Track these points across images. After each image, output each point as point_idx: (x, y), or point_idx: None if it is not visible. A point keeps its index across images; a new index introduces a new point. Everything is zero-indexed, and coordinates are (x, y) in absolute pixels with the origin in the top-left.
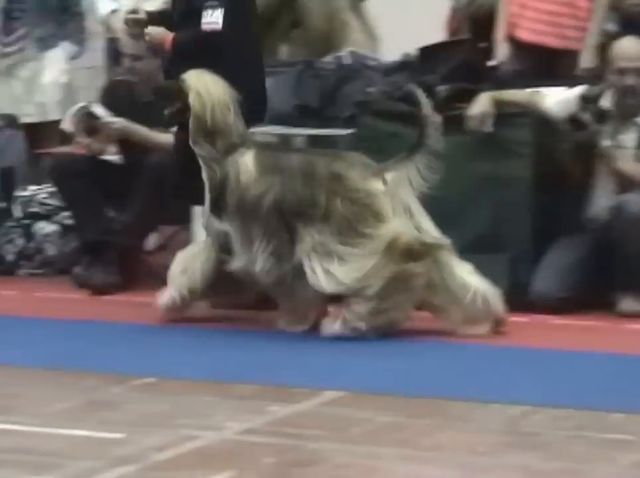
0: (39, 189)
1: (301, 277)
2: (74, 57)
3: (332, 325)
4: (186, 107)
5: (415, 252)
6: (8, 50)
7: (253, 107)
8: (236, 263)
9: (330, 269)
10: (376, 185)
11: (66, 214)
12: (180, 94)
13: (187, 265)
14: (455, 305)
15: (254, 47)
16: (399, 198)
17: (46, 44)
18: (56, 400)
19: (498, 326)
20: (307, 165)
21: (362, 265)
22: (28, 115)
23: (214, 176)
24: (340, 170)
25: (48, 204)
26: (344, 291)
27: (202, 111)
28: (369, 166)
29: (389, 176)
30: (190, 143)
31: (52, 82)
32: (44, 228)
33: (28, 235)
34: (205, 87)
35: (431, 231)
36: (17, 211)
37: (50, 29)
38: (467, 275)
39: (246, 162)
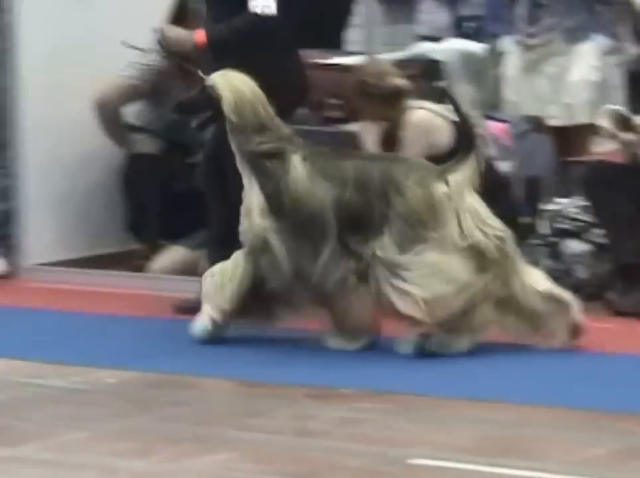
0: (569, 202)
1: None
2: (607, 52)
3: (407, 346)
4: (218, 112)
5: (489, 260)
6: (533, 42)
7: (296, 95)
8: (281, 275)
9: (403, 288)
10: (439, 188)
11: (599, 231)
12: (210, 101)
13: (223, 282)
14: (528, 318)
15: (294, 33)
16: (463, 199)
17: (575, 36)
18: (590, 445)
19: (575, 334)
20: (361, 173)
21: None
22: (554, 117)
23: (263, 179)
24: (399, 176)
25: (579, 220)
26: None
27: (243, 109)
28: (430, 170)
29: (451, 178)
30: (234, 142)
31: (581, 80)
32: (574, 247)
33: (556, 255)
34: (237, 85)
35: (498, 228)
36: (543, 227)
37: (581, 19)
38: (538, 284)
39: (295, 166)
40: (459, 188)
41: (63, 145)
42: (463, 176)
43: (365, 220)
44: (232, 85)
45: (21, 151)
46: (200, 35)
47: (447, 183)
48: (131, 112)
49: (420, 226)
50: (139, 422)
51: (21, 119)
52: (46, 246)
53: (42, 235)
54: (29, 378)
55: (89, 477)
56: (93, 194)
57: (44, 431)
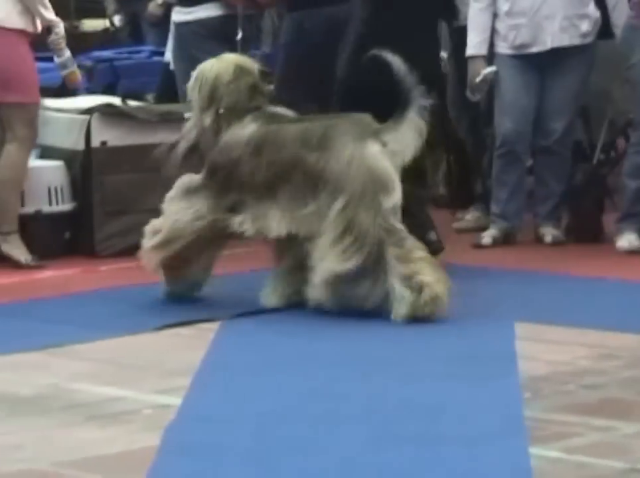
0: None
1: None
2: None
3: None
4: None
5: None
6: None
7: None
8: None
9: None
10: (372, 147)
11: None
12: None
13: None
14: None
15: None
16: (396, 159)
17: None
18: None
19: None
20: (301, 133)
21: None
22: None
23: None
24: (334, 134)
25: None
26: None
27: (196, 87)
28: (369, 128)
29: (388, 137)
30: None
31: None
32: None
33: None
34: (204, 67)
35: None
36: None
37: None
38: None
39: (244, 134)
40: (394, 147)
41: None
42: (399, 135)
43: (300, 173)
44: (202, 66)
45: None
46: None
47: (383, 143)
48: None
49: (337, 182)
50: None
51: None
52: None
53: None
54: None
55: None
56: None
57: None
